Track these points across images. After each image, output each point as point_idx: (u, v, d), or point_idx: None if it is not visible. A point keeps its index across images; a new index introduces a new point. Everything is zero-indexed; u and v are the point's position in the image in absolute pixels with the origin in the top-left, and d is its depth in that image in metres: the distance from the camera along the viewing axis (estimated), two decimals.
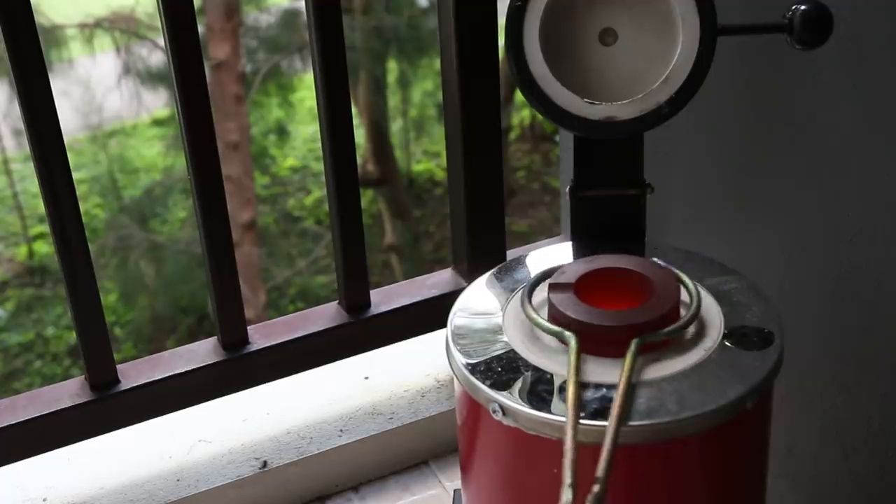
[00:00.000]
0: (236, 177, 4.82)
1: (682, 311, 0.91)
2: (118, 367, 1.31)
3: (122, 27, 5.28)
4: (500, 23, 1.08)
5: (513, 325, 0.95)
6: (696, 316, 0.91)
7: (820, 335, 1.20)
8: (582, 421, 0.84)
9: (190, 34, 1.18)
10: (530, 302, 0.93)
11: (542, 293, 0.95)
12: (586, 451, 0.85)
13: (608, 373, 0.87)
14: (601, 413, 0.84)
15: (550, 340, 0.92)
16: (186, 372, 1.33)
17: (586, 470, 0.88)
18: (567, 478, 0.77)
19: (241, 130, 5.00)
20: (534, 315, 0.91)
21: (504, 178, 1.43)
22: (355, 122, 1.79)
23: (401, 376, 1.52)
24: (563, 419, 0.84)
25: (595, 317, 0.89)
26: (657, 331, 0.88)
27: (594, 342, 0.88)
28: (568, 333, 0.88)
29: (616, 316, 0.89)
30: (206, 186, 1.26)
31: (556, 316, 0.90)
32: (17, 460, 1.30)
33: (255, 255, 5.05)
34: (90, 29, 5.23)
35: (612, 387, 0.86)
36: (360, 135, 5.39)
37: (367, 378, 1.52)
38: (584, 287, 0.92)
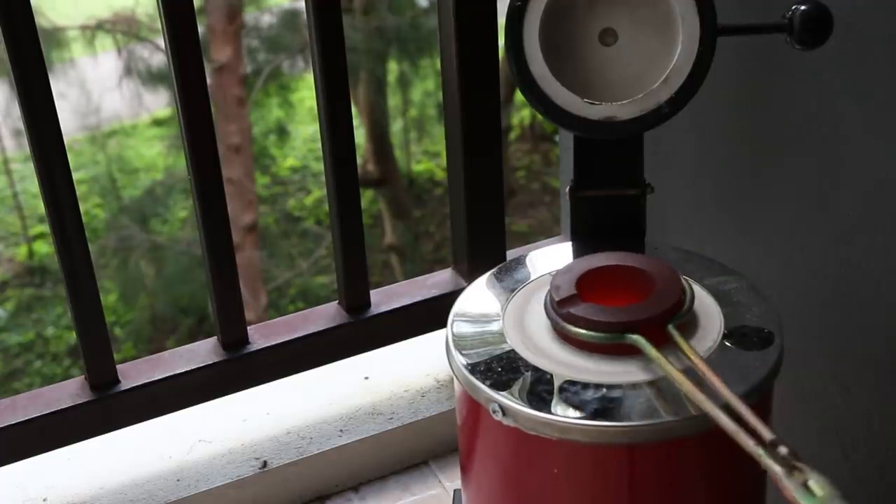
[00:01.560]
0: (237, 179, 4.82)
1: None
2: (118, 367, 1.31)
3: (124, 28, 5.28)
4: (500, 23, 1.08)
5: (513, 325, 0.95)
6: (692, 288, 0.91)
7: (820, 335, 1.20)
8: (582, 421, 0.84)
9: (190, 35, 1.18)
10: (559, 316, 0.91)
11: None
12: (586, 450, 0.85)
13: (608, 372, 0.87)
14: (601, 413, 0.84)
15: (550, 341, 0.92)
16: (186, 372, 1.33)
17: (588, 469, 0.88)
18: (757, 451, 0.78)
19: (243, 133, 4.99)
20: (577, 329, 0.89)
21: (504, 178, 1.43)
22: (355, 122, 1.79)
23: (401, 376, 1.52)
24: (562, 419, 0.84)
25: (624, 314, 0.89)
26: (680, 312, 0.89)
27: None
28: (634, 336, 0.87)
29: (633, 310, 0.89)
30: (207, 187, 1.26)
31: (579, 324, 0.89)
32: (17, 460, 1.30)
33: (256, 257, 5.05)
34: (91, 30, 5.23)
35: (612, 387, 0.86)
36: (360, 135, 5.39)
37: (367, 378, 1.52)
38: (583, 292, 0.92)
